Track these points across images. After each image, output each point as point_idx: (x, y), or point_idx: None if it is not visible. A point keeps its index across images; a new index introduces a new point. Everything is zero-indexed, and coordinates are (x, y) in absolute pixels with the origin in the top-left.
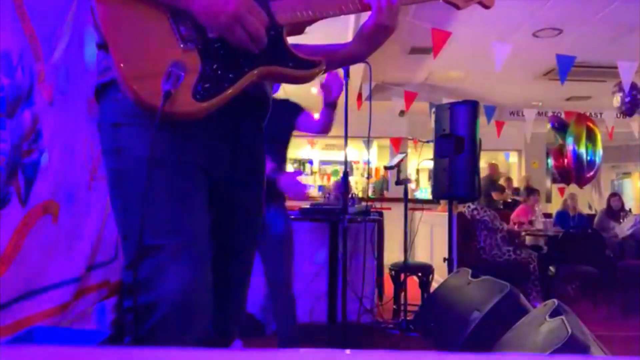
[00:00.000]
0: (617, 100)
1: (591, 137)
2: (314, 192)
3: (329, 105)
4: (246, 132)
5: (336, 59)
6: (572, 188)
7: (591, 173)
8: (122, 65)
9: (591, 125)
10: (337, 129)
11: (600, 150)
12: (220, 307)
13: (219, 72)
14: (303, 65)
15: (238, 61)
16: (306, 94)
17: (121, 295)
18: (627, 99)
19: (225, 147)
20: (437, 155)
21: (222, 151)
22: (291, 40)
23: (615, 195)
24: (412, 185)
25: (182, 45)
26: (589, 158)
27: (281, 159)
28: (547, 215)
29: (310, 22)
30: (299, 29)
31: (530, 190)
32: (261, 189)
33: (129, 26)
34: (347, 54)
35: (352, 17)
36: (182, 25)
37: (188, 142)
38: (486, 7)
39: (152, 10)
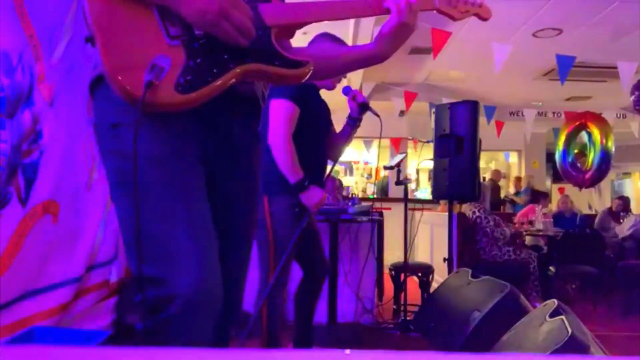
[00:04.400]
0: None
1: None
2: None
3: (353, 120)
4: (238, 133)
5: (353, 59)
6: (572, 189)
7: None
8: (107, 57)
9: (590, 124)
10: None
11: (599, 152)
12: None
13: (203, 66)
14: (290, 64)
15: (223, 57)
16: None
17: (131, 290)
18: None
19: (218, 143)
20: (437, 155)
21: (215, 146)
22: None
23: (620, 199)
24: (412, 185)
25: (168, 41)
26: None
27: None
28: (547, 216)
29: (301, 25)
30: (289, 32)
31: (541, 194)
32: (257, 191)
33: (116, 21)
34: (368, 54)
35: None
36: (168, 22)
37: (183, 135)
38: (483, 19)
39: (140, 6)
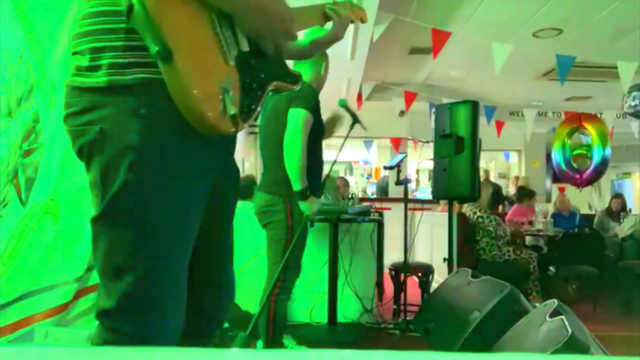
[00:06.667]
0: (627, 104)
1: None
2: None
3: None
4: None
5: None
6: (572, 189)
7: (586, 174)
8: (196, 82)
9: (585, 124)
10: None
11: (597, 150)
12: (216, 293)
13: (253, 90)
14: (294, 80)
15: (261, 77)
16: None
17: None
18: (632, 102)
19: (226, 164)
20: (437, 155)
21: (223, 167)
22: None
23: (618, 197)
24: (412, 185)
25: (230, 60)
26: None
27: None
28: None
29: None
30: None
31: (526, 192)
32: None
33: (186, 31)
34: (302, 52)
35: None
36: (226, 34)
37: (202, 165)
38: (363, 22)
39: (198, 10)
